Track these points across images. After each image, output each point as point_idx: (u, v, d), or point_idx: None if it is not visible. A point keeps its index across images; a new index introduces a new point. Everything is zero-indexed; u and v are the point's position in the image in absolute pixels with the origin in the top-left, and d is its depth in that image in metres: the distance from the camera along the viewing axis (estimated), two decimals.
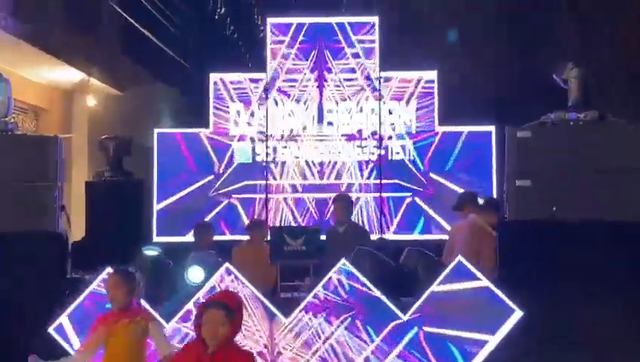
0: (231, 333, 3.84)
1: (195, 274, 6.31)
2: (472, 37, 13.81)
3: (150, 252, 7.13)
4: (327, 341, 5.41)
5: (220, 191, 10.15)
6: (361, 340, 5.40)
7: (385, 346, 5.37)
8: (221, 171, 10.18)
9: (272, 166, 10.13)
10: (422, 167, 10.05)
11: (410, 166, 10.09)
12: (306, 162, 10.17)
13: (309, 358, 5.40)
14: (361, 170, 10.14)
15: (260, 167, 10.15)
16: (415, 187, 10.04)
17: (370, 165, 10.12)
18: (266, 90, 10.17)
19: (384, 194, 10.06)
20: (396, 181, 10.06)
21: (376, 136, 10.09)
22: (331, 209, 8.60)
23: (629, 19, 11.87)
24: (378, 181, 10.03)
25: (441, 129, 10.08)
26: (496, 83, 13.48)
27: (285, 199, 10.08)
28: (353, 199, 9.33)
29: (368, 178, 10.11)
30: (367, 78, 10.22)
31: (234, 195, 10.11)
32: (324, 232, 8.06)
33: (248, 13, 17.38)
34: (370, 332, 5.39)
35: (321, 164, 10.17)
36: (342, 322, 5.43)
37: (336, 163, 10.16)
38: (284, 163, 10.15)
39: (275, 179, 10.15)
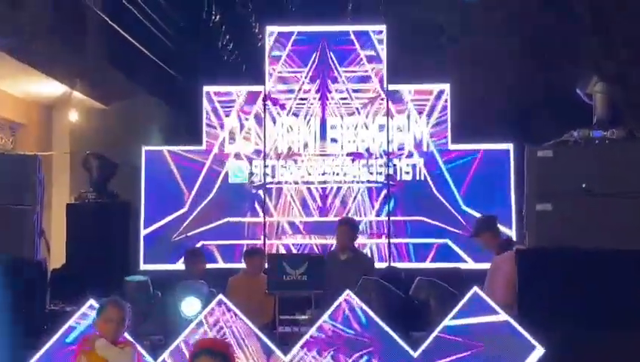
0: None
1: (190, 306, 6.22)
2: (486, 46, 13.83)
3: (135, 281, 7.10)
4: None
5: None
6: None
7: None
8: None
9: (264, 195, 10.01)
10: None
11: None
12: (308, 188, 10.11)
13: None
14: (370, 197, 10.04)
15: (251, 194, 10.11)
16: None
17: (383, 192, 9.99)
18: (264, 101, 10.17)
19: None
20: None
21: (390, 155, 10.02)
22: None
23: None
24: (391, 209, 9.93)
25: (454, 147, 10.07)
26: (513, 97, 13.49)
27: (282, 231, 9.99)
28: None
29: (380, 212, 9.97)
30: (382, 84, 10.17)
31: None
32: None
33: (245, 20, 17.46)
34: None
35: (324, 189, 10.12)
36: (328, 354, 5.29)
37: (340, 188, 10.12)
38: (280, 189, 10.11)
39: (271, 214, 9.99)
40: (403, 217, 9.94)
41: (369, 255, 9.46)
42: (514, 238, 9.29)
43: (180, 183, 10.17)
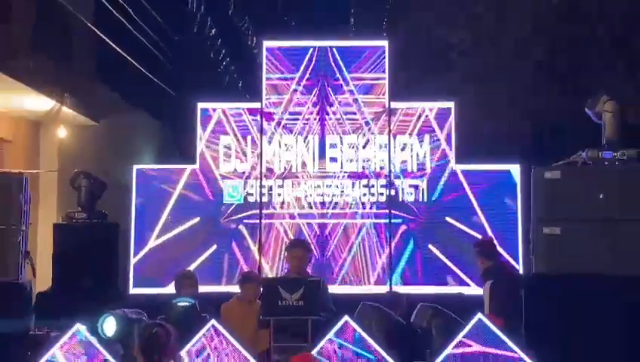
0: None
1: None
2: (494, 62, 13.88)
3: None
4: None
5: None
6: None
7: None
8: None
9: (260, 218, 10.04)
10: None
11: (420, 206, 10.03)
12: (308, 203, 10.14)
13: None
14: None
15: (252, 206, 10.15)
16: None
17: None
18: (261, 118, 10.21)
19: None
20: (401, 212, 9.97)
21: (384, 173, 10.05)
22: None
23: None
24: (385, 219, 9.98)
25: (458, 167, 10.10)
26: (521, 116, 13.52)
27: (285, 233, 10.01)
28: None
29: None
30: (381, 106, 10.21)
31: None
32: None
33: (241, 34, 17.55)
34: None
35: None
36: None
37: (337, 203, 10.14)
38: (282, 203, 10.15)
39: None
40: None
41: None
42: (520, 263, 9.33)
43: (172, 204, 10.18)
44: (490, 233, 9.39)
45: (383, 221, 10.06)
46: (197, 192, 10.24)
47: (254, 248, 10.07)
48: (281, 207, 10.15)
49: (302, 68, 10.30)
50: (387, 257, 9.88)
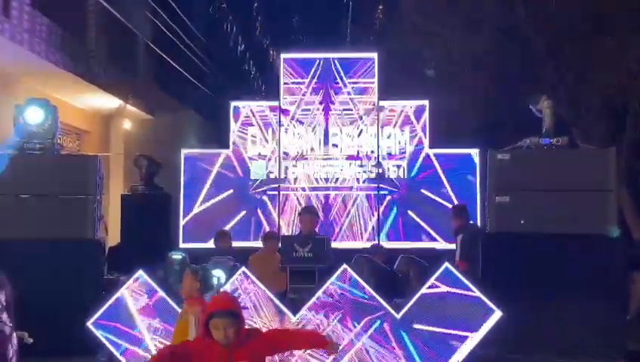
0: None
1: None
2: (459, 72, 13.81)
3: (177, 256, 7.08)
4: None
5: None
6: (349, 330, 5.30)
7: (371, 339, 5.27)
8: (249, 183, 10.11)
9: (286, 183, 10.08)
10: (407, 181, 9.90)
11: (401, 181, 9.95)
12: (315, 179, 10.12)
13: None
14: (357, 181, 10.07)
15: (273, 181, 10.15)
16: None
17: (366, 179, 9.96)
18: (279, 114, 10.16)
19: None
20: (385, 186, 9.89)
21: (374, 155, 10.01)
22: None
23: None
24: (374, 191, 9.87)
25: (431, 151, 10.06)
26: (481, 112, 13.46)
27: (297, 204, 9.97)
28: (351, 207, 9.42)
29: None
30: (369, 104, 10.16)
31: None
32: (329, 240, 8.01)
33: (264, 48, 17.49)
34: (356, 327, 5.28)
35: (327, 180, 10.13)
36: (335, 318, 5.30)
37: (337, 178, 10.13)
38: (295, 179, 10.15)
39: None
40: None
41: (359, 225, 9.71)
42: (478, 223, 9.31)
43: (211, 179, 10.17)
44: (455, 202, 9.35)
45: (372, 193, 10.04)
46: (230, 170, 10.21)
47: (274, 213, 10.08)
48: (295, 183, 10.16)
49: (310, 74, 10.26)
50: (376, 220, 9.89)
